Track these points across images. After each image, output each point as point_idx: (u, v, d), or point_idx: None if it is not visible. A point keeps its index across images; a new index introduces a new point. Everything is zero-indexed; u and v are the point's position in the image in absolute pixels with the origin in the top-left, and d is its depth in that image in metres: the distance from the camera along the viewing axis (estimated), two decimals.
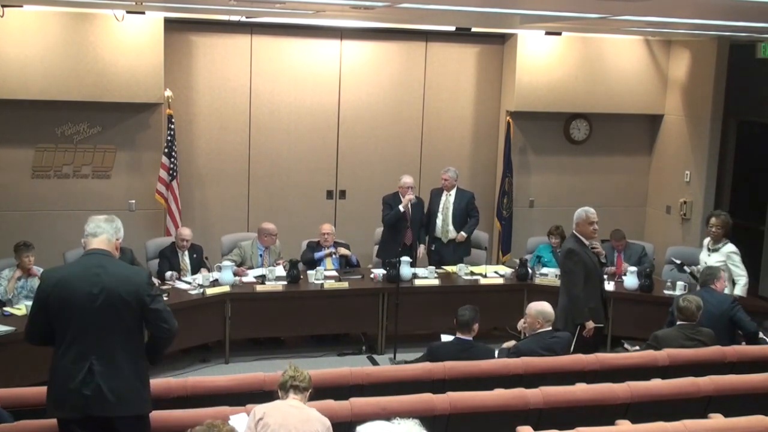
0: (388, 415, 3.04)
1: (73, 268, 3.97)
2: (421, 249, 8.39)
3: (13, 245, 6.91)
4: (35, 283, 6.81)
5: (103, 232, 3.97)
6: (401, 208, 8.09)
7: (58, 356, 3.89)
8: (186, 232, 7.71)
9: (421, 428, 2.82)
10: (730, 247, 7.14)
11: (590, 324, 6.26)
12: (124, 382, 3.89)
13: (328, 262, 8.04)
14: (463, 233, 8.31)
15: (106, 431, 3.90)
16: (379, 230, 8.45)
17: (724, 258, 7.08)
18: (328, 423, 3.93)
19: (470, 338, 5.56)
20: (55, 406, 3.91)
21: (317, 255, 7.96)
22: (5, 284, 6.76)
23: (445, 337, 6.15)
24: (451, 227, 8.34)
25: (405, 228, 8.19)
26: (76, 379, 3.82)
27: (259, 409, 3.88)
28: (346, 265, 8.09)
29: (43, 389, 4.07)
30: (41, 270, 6.75)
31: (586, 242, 6.44)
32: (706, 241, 7.33)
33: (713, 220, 7.17)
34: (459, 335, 5.60)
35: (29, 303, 6.29)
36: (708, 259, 7.16)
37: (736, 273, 7.11)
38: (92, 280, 3.83)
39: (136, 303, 3.88)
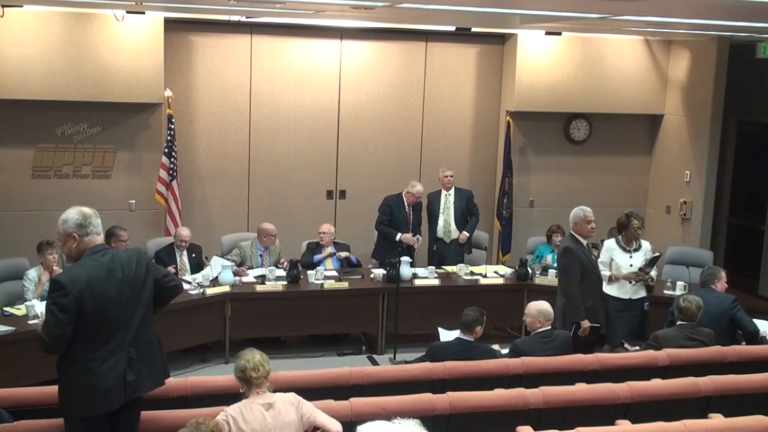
0: (388, 415, 3.04)
1: (91, 265, 3.90)
2: (419, 239, 8.30)
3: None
4: None
5: (102, 230, 4.08)
6: (398, 239, 8.06)
7: (86, 356, 3.83)
8: (185, 232, 7.70)
9: (421, 428, 2.82)
10: (647, 244, 6.88)
11: (586, 323, 6.26)
12: (155, 355, 4.11)
13: (329, 263, 8.04)
14: (465, 233, 8.32)
15: (122, 409, 3.98)
16: None
17: (645, 255, 6.78)
18: (297, 400, 3.98)
19: (471, 339, 5.55)
20: (89, 406, 3.85)
21: (316, 258, 7.94)
22: (32, 287, 6.60)
23: (443, 331, 6.16)
24: (453, 227, 8.34)
25: (403, 231, 8.19)
26: (116, 371, 3.87)
27: (232, 415, 3.84)
28: (347, 265, 8.09)
29: (44, 389, 4.05)
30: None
31: (584, 241, 6.45)
32: (611, 243, 6.84)
33: (636, 222, 6.69)
34: (460, 335, 5.60)
35: (29, 303, 6.28)
36: (631, 260, 6.71)
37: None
38: (114, 275, 3.91)
39: (150, 281, 4.06)
